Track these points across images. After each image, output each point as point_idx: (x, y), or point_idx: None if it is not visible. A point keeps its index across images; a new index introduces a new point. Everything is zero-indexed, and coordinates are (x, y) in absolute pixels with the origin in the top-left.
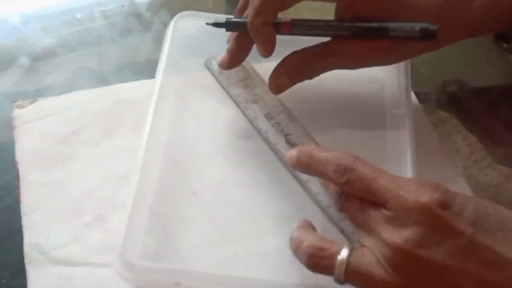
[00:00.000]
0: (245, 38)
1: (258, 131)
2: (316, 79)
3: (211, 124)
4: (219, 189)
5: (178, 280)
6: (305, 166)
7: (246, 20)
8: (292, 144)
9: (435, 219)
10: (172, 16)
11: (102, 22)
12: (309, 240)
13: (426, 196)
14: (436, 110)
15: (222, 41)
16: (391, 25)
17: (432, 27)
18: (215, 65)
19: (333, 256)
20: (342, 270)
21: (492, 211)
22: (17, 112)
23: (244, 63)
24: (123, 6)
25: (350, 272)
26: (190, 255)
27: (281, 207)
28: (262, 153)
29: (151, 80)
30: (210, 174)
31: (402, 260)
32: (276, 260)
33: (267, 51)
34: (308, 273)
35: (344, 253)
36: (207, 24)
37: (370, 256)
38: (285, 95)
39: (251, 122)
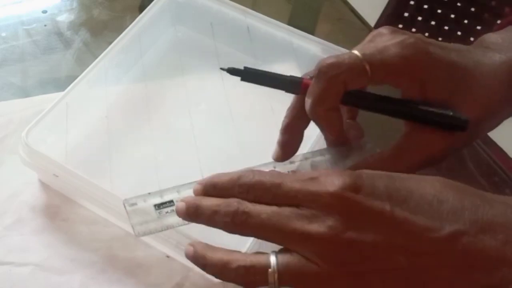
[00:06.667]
0: (298, 128)
1: None
2: None
3: None
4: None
5: (57, 173)
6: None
7: (266, 72)
8: None
9: (352, 205)
10: (92, 35)
11: (25, 40)
12: (236, 260)
13: (334, 185)
14: None
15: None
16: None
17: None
18: None
19: (265, 268)
20: (275, 278)
21: (399, 184)
22: None
23: None
24: (45, 25)
25: (283, 277)
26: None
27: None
28: None
29: None
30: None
31: (331, 249)
32: None
33: (335, 135)
34: None
35: (272, 261)
36: (221, 69)
37: (298, 256)
38: None
39: None
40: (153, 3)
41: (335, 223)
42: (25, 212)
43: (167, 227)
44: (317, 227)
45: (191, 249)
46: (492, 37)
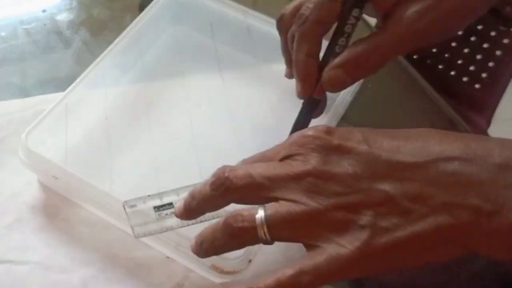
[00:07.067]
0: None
1: None
2: None
3: None
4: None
5: (57, 175)
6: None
7: None
8: None
9: (326, 142)
10: (91, 34)
11: (25, 40)
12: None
13: (309, 130)
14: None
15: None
16: None
17: None
18: None
19: (252, 215)
20: (264, 229)
21: (380, 135)
22: None
23: None
24: (45, 24)
25: (273, 227)
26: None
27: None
28: None
29: None
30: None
31: (315, 183)
32: None
33: (308, 85)
34: None
35: (260, 212)
36: None
37: (285, 202)
38: None
39: None
40: (153, 3)
41: (315, 159)
42: (25, 212)
43: (167, 229)
44: (298, 167)
45: (192, 241)
46: None
